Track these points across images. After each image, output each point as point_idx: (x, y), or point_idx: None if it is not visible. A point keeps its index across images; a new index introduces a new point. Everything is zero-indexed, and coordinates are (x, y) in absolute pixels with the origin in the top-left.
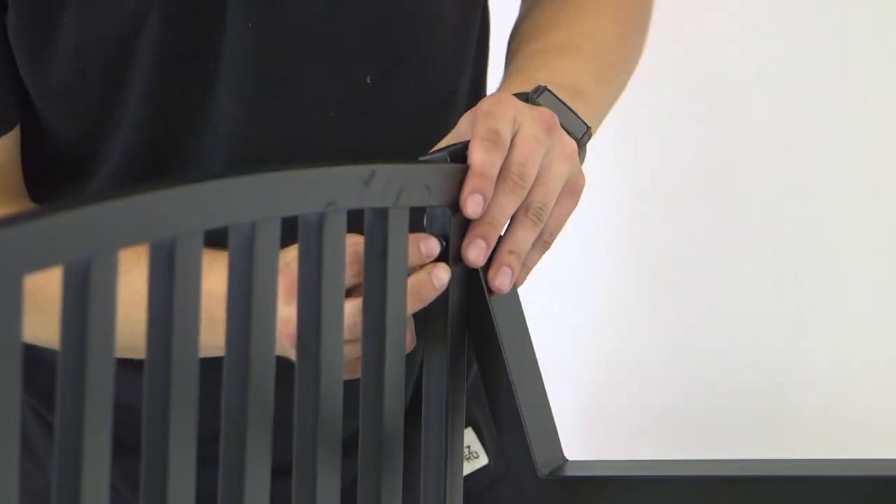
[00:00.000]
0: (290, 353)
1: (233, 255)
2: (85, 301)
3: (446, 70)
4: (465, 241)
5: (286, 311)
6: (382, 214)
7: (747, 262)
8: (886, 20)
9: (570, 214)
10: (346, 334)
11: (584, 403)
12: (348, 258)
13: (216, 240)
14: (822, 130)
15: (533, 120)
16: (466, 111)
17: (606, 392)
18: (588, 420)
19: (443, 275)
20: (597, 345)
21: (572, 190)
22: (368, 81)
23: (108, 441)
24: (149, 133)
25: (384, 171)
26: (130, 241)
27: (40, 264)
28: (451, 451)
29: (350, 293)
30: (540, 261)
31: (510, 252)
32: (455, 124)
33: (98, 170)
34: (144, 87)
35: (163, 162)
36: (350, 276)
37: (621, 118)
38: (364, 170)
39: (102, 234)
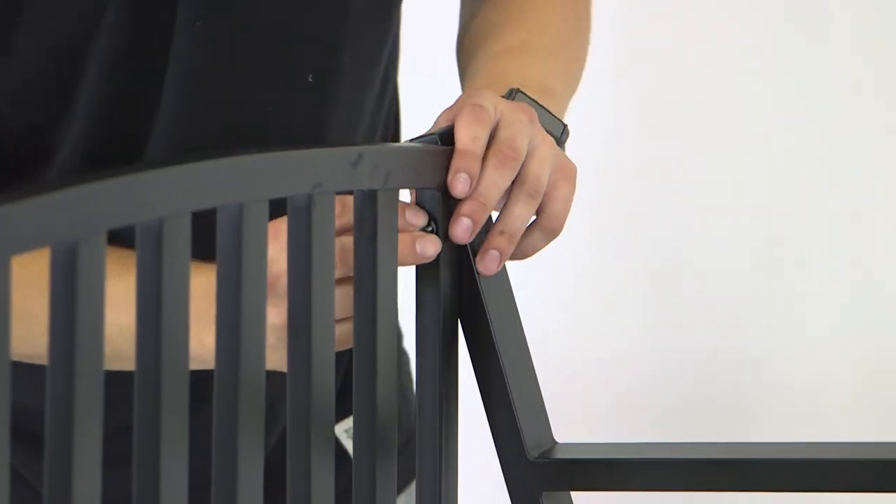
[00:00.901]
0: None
1: (221, 236)
2: (73, 282)
3: (371, 64)
4: (452, 218)
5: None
6: (371, 196)
7: (722, 247)
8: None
9: (571, 197)
10: (337, 313)
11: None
12: (336, 248)
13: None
14: (788, 126)
15: (513, 108)
16: (377, 100)
17: (577, 376)
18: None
19: (428, 246)
20: (569, 326)
21: (566, 174)
22: (310, 80)
23: (99, 422)
24: (100, 130)
25: (372, 153)
26: (118, 223)
27: (27, 245)
28: (447, 433)
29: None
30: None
31: (501, 233)
32: (372, 113)
33: (45, 164)
34: (97, 84)
35: (112, 158)
36: (339, 270)
37: (597, 113)
38: (352, 152)
39: (90, 215)
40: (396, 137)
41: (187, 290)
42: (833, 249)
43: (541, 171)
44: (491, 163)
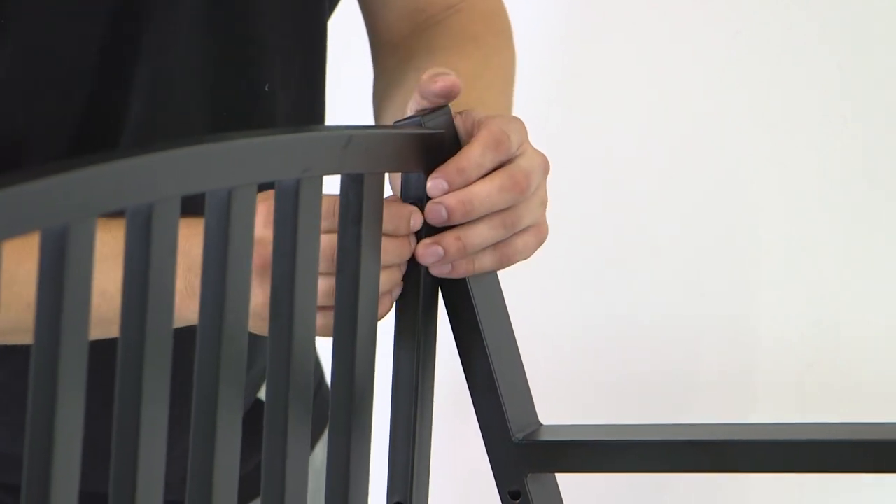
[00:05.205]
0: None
1: (209, 220)
2: (62, 267)
3: (317, 75)
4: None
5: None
6: (358, 180)
7: (705, 230)
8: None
9: (530, 252)
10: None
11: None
12: (322, 247)
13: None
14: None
15: (536, 152)
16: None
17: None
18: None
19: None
20: (537, 313)
21: (539, 231)
22: (266, 89)
23: (80, 413)
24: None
25: (361, 136)
26: (108, 207)
27: (18, 230)
28: (422, 407)
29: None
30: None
31: (457, 238)
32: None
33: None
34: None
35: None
36: (324, 267)
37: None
38: (341, 136)
39: (80, 200)
40: None
41: (174, 274)
42: (792, 220)
43: (539, 210)
44: (501, 183)
